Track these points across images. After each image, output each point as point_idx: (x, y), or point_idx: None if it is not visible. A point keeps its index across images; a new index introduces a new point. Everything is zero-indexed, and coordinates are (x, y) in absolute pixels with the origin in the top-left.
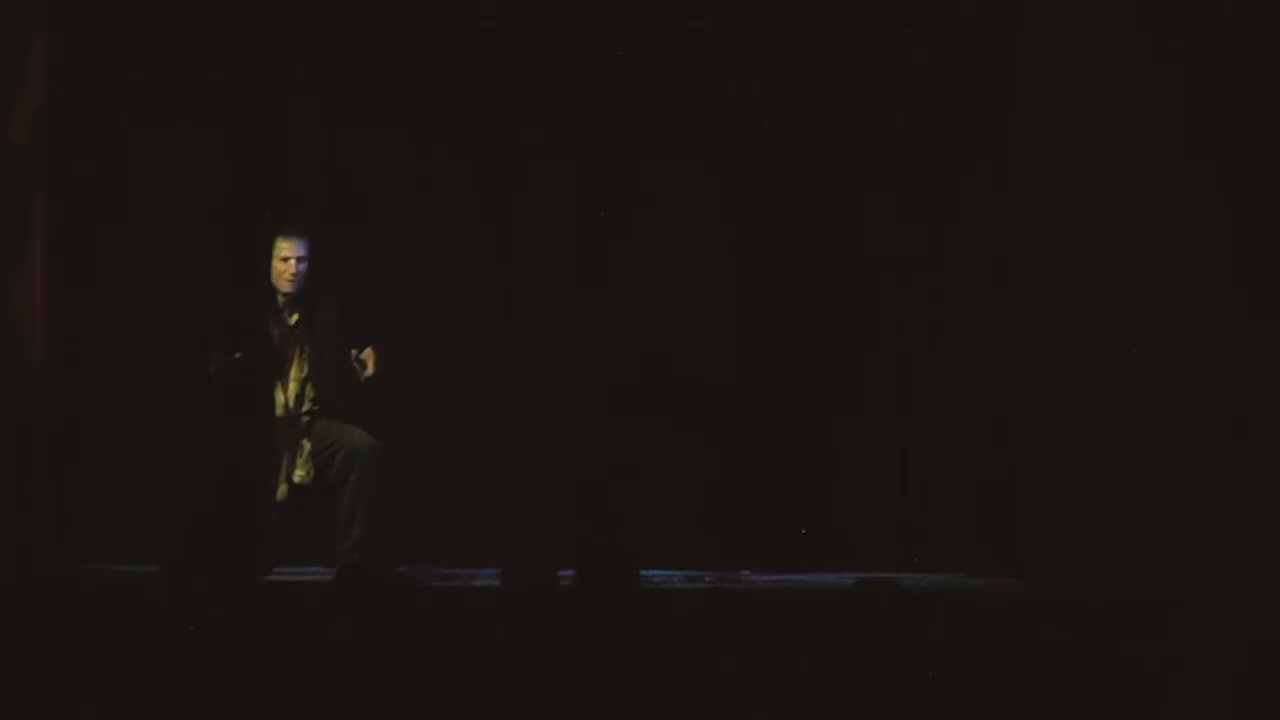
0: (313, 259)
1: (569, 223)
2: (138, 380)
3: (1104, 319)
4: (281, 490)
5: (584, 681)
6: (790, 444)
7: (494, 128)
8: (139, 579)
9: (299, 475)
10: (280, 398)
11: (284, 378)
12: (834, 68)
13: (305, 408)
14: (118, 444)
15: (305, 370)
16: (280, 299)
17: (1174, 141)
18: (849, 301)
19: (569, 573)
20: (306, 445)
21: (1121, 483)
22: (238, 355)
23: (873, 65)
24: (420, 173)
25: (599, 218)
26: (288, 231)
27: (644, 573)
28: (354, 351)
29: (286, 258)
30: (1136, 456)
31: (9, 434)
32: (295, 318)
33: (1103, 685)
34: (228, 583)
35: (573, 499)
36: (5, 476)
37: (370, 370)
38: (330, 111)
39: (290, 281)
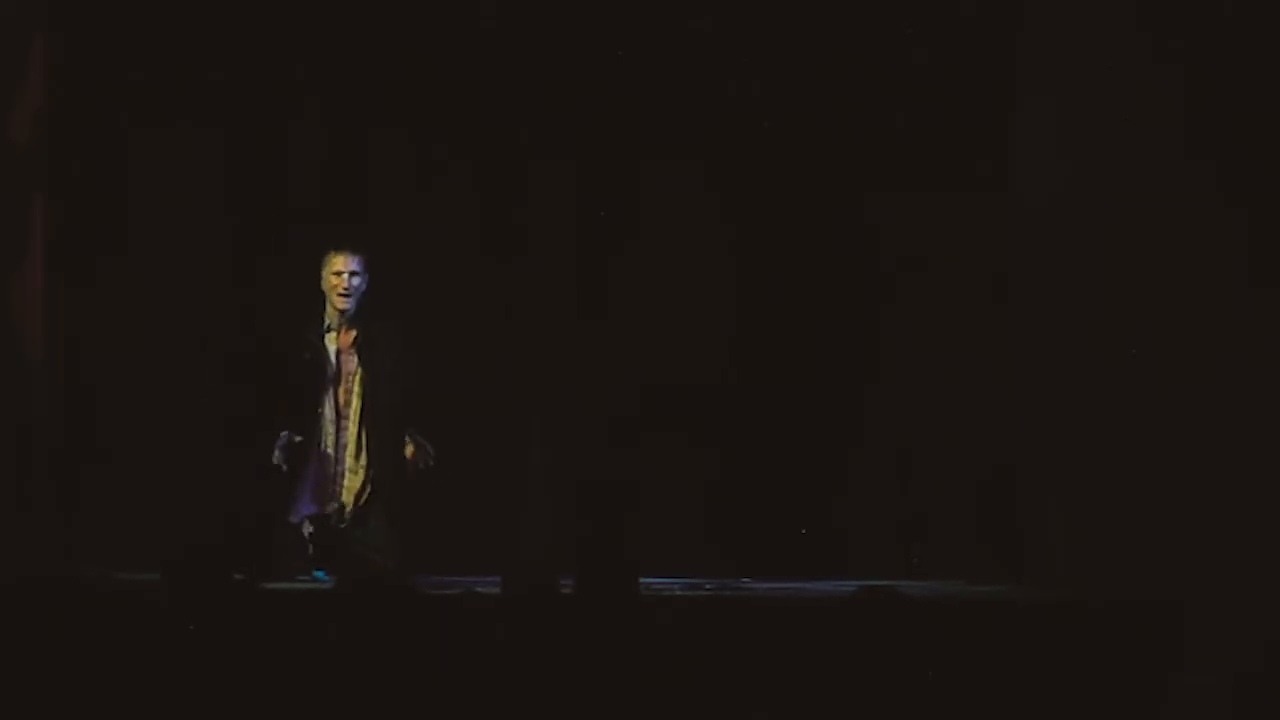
0: (369, 274)
1: (569, 223)
2: (138, 381)
3: (1104, 319)
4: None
5: (584, 689)
6: (790, 447)
7: (494, 128)
8: (139, 582)
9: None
10: (328, 428)
11: (334, 400)
12: (834, 68)
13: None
14: (117, 445)
15: (359, 396)
16: (335, 316)
17: (1174, 141)
18: (849, 303)
19: (569, 580)
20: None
21: (1121, 484)
22: (298, 439)
23: (873, 65)
24: (420, 173)
25: (599, 218)
26: (341, 245)
27: (643, 580)
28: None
29: (339, 272)
30: (1137, 457)
31: (9, 434)
32: (352, 336)
33: (1103, 686)
34: (228, 587)
35: (573, 506)
36: (5, 476)
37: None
38: (330, 111)
39: (344, 297)
